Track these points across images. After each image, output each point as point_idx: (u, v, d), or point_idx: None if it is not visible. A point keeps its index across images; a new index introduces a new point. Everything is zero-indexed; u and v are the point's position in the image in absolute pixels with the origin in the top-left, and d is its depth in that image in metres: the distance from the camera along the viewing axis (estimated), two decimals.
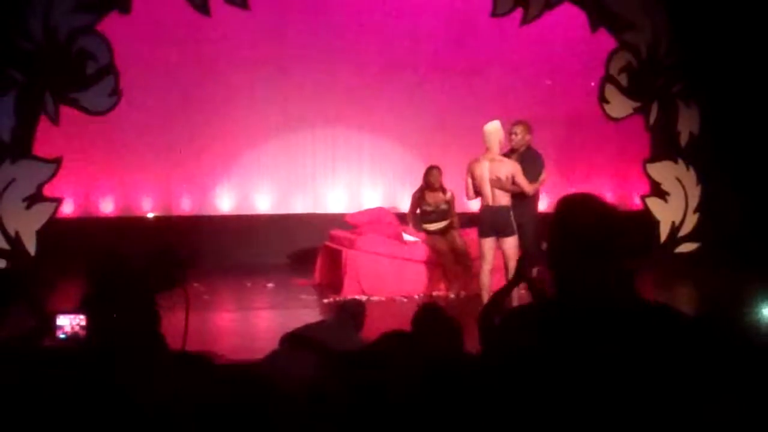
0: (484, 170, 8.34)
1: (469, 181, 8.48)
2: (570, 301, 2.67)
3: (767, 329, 3.62)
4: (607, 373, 2.52)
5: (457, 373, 3.33)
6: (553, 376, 2.57)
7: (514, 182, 8.32)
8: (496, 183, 8.28)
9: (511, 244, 8.36)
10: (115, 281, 4.56)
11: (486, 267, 8.50)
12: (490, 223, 8.45)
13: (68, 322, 4.00)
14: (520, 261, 4.48)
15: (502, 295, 4.36)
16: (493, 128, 8.42)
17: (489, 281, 8.46)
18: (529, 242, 8.66)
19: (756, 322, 3.65)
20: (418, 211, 10.51)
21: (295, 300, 9.81)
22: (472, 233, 10.46)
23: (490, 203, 8.37)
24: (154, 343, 4.01)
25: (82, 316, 4.01)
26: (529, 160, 8.81)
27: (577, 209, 2.73)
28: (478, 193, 8.47)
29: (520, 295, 7.52)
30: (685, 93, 12.62)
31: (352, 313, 5.85)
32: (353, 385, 3.31)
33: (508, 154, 8.88)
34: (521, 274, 4.40)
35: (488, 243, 8.48)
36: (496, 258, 8.49)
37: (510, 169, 8.33)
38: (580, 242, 2.66)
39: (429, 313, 4.19)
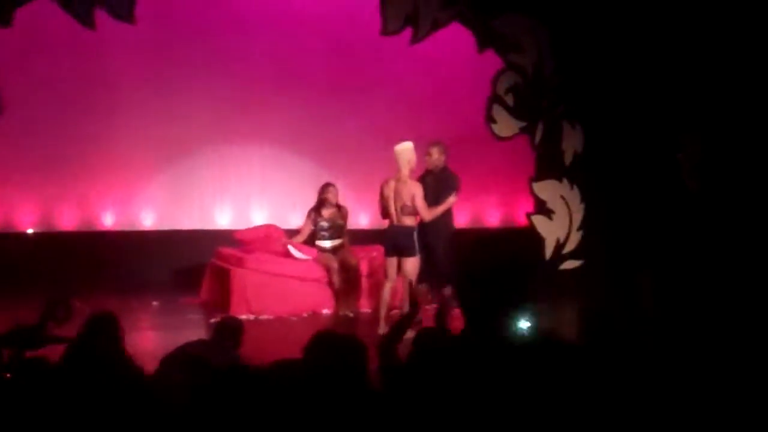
0: (390, 191, 8.48)
1: (380, 201, 8.64)
2: (479, 337, 2.71)
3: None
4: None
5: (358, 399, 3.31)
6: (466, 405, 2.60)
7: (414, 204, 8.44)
8: (403, 207, 8.42)
9: (410, 264, 8.52)
10: None
11: (388, 284, 8.75)
12: (392, 242, 8.61)
13: None
14: (415, 305, 4.65)
15: (400, 329, 4.26)
16: (402, 149, 8.54)
17: (389, 298, 8.68)
18: (439, 262, 8.82)
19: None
20: (312, 227, 10.44)
21: (182, 319, 9.65)
22: (361, 251, 10.51)
23: (395, 223, 8.52)
24: None
25: None
26: (445, 181, 8.92)
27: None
28: (385, 213, 8.61)
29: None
30: (569, 113, 12.87)
31: (230, 331, 5.86)
32: (237, 403, 3.28)
33: (424, 175, 9.01)
34: (414, 315, 4.63)
35: (391, 262, 8.71)
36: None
37: (411, 190, 8.45)
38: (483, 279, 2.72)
39: (323, 341, 4.05)
